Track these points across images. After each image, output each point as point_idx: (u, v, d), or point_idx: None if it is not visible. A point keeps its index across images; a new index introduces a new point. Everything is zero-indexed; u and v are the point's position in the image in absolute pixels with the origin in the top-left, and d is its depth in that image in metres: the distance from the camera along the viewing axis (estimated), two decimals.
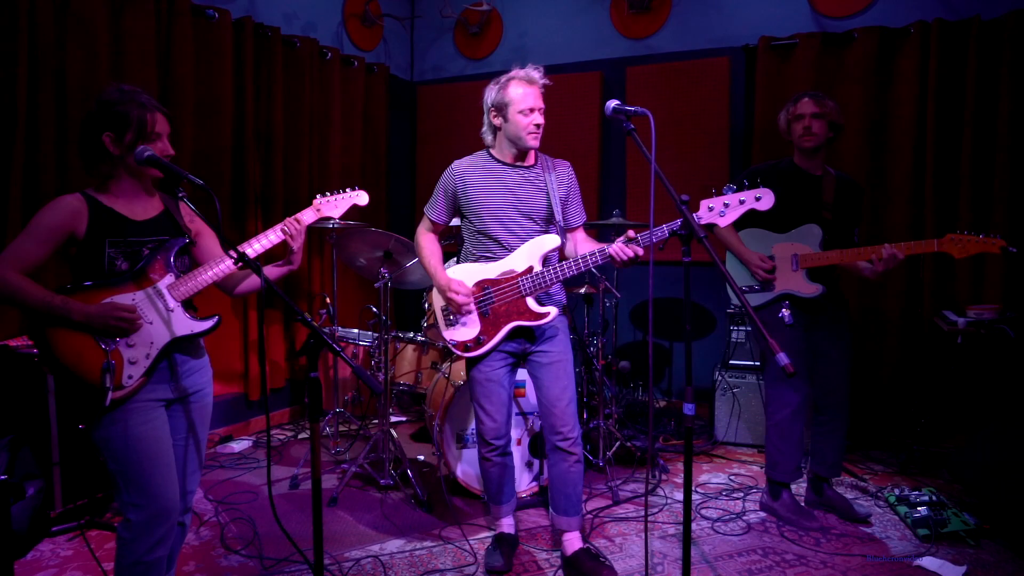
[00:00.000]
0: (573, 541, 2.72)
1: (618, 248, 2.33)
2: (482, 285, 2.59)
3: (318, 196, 2.29)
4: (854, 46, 4.33)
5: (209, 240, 2.16)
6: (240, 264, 1.95)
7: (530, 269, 2.53)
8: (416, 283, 3.90)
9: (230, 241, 1.90)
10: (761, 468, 3.85)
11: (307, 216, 2.21)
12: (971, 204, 4.06)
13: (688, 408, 1.80)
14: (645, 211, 4.88)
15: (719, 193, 2.15)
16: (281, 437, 4.48)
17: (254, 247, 2.07)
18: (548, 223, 2.63)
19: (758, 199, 2.17)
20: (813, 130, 2.99)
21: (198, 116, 4.04)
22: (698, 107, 4.84)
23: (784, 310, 3.03)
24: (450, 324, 2.66)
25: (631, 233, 2.36)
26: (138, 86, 2.00)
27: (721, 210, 2.19)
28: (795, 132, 3.05)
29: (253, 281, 2.19)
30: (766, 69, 4.56)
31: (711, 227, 2.62)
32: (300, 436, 4.50)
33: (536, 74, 2.55)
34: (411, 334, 4.18)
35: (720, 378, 4.35)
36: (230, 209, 4.28)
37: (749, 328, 4.37)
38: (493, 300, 2.57)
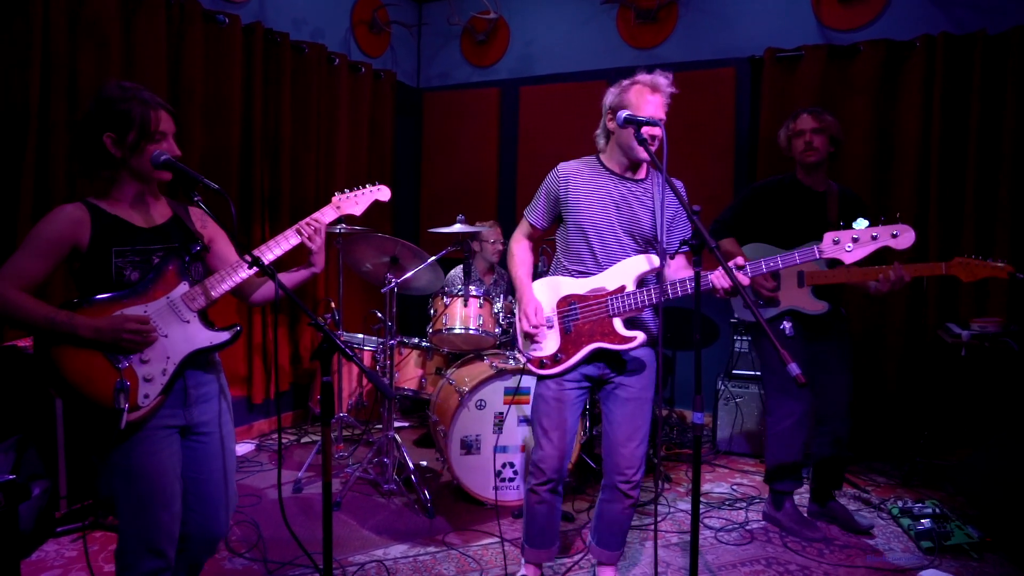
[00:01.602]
0: (608, 573, 2.62)
1: (718, 276, 2.14)
2: (568, 300, 2.40)
3: (337, 193, 2.16)
4: (860, 59, 4.35)
5: (223, 245, 2.05)
6: (257, 271, 1.84)
7: (622, 288, 2.33)
8: (421, 289, 3.92)
9: (245, 246, 1.83)
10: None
11: (327, 215, 2.07)
12: (975, 217, 4.07)
13: (697, 417, 1.81)
14: None
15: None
16: (284, 441, 4.49)
17: (274, 251, 1.95)
18: (649, 244, 2.41)
19: (895, 236, 1.99)
20: (814, 144, 3.01)
21: (207, 120, 4.07)
22: (704, 117, 4.86)
23: (786, 322, 3.05)
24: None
25: (740, 260, 2.16)
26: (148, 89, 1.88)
27: (848, 245, 2.02)
28: (796, 148, 3.07)
29: (270, 288, 2.07)
30: (772, 80, 4.58)
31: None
32: (303, 440, 4.51)
33: (663, 81, 2.29)
34: (416, 339, 4.19)
35: (723, 388, 4.36)
36: (238, 213, 4.30)
37: (750, 338, 4.37)
38: (578, 317, 2.38)
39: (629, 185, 2.40)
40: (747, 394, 4.30)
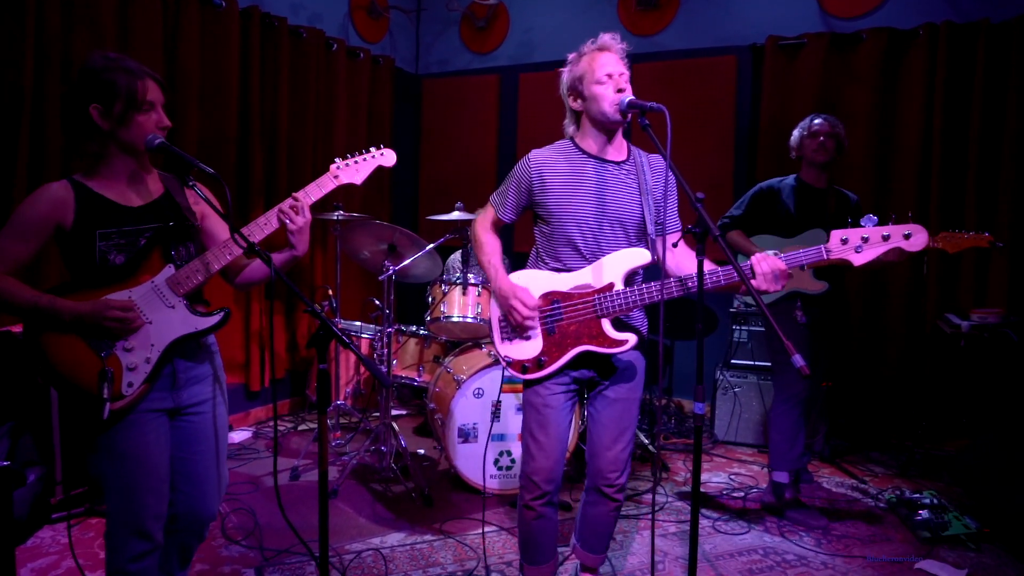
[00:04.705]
0: None
1: (758, 260, 1.96)
2: (550, 298, 2.18)
3: (337, 160, 1.99)
4: (862, 47, 4.32)
5: (215, 223, 1.96)
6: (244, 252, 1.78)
7: (610, 286, 2.12)
8: (419, 276, 3.89)
9: (239, 231, 1.76)
10: (762, 468, 3.86)
11: (325, 185, 1.93)
12: (976, 205, 4.07)
13: (698, 407, 1.79)
14: None
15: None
16: (281, 428, 4.48)
17: (255, 235, 1.83)
18: (639, 233, 2.21)
19: (907, 237, 1.84)
20: (827, 146, 3.22)
21: (203, 105, 4.02)
22: (705, 105, 4.83)
23: (797, 311, 3.17)
24: (507, 338, 2.24)
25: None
26: None
27: (858, 244, 1.88)
28: (809, 147, 3.26)
29: (254, 271, 1.97)
30: (773, 68, 4.55)
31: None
32: (300, 428, 4.50)
33: (611, 39, 2.13)
34: (413, 327, 4.17)
35: (721, 377, 4.35)
36: (234, 199, 4.27)
37: (750, 328, 4.38)
38: (561, 317, 2.16)
39: (612, 168, 2.18)
40: (745, 384, 4.29)
